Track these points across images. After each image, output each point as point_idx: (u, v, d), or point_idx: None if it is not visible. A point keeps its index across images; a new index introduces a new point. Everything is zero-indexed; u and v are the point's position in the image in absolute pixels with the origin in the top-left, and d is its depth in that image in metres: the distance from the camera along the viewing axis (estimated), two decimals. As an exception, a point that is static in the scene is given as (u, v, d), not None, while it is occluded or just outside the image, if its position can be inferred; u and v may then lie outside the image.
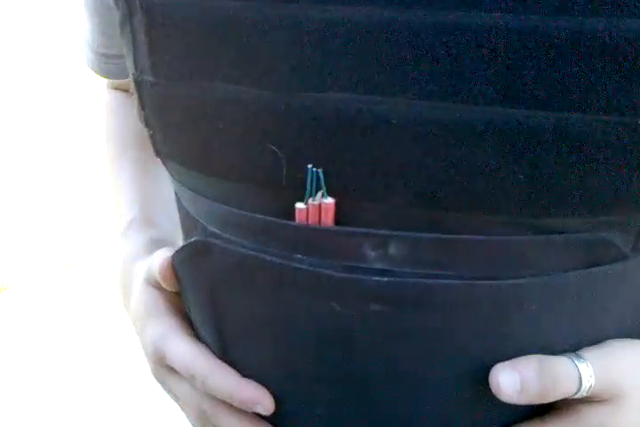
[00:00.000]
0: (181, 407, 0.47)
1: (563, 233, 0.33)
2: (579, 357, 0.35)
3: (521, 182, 0.31)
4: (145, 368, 0.48)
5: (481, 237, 0.33)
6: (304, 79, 0.32)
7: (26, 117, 4.37)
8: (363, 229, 0.34)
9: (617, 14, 0.27)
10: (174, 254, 0.41)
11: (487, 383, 0.34)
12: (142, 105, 0.40)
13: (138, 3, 0.36)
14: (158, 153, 0.41)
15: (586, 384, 0.34)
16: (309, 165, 0.33)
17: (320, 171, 0.33)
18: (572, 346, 0.36)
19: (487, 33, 0.29)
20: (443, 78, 0.30)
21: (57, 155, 3.95)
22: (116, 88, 0.64)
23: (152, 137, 0.40)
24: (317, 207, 0.34)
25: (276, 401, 0.39)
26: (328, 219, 0.35)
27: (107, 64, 0.57)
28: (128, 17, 0.37)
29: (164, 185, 0.51)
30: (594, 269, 0.34)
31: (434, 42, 0.30)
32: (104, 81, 0.63)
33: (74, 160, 3.79)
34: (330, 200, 0.34)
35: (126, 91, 0.63)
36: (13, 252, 3.09)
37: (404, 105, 0.31)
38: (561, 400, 0.36)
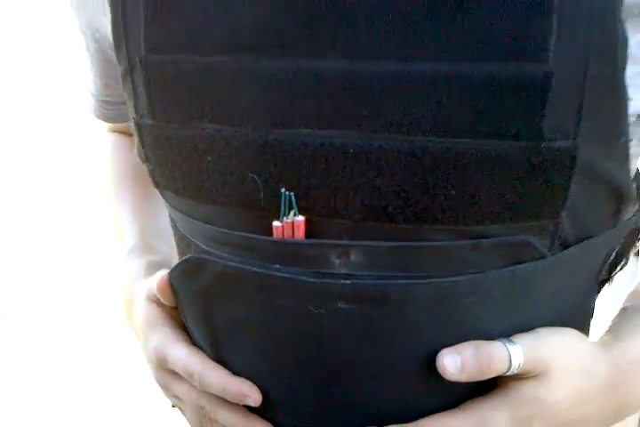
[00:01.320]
0: (181, 408, 0.53)
1: (490, 238, 0.40)
2: (510, 341, 0.42)
3: (453, 197, 0.39)
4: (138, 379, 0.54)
5: (426, 244, 0.41)
6: (277, 119, 0.40)
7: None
8: (329, 241, 0.42)
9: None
10: (171, 271, 0.49)
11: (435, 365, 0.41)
12: (142, 144, 0.47)
13: (137, 60, 0.44)
14: (157, 185, 0.49)
15: (515, 363, 0.41)
16: (282, 190, 0.41)
17: (292, 194, 0.41)
18: (506, 333, 0.43)
19: (419, 81, 0.37)
20: (386, 115, 0.38)
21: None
22: (115, 131, 0.72)
23: (151, 171, 0.48)
24: (291, 224, 0.42)
25: (263, 394, 0.46)
26: (300, 233, 0.42)
27: (107, 110, 0.64)
28: (129, 71, 0.45)
29: (161, 214, 0.58)
30: (517, 267, 0.41)
31: (376, 88, 0.38)
32: (104, 124, 0.71)
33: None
34: (300, 218, 0.42)
35: (123, 133, 0.70)
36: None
37: (358, 137, 0.39)
38: (500, 380, 0.42)
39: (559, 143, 0.37)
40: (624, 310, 0.51)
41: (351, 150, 0.39)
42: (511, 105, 0.37)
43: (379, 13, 0.37)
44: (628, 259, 0.51)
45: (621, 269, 0.51)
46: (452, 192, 0.39)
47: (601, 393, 0.45)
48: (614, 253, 0.50)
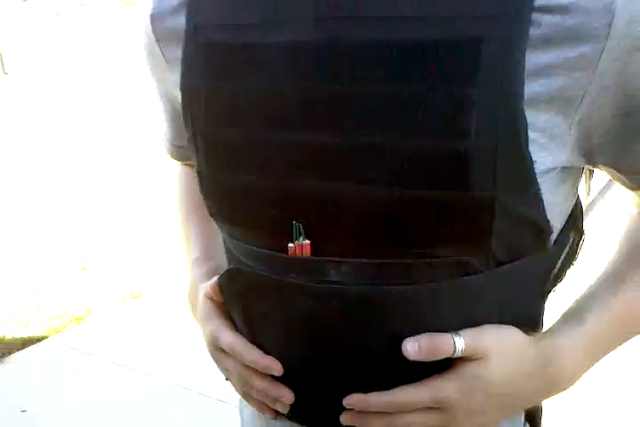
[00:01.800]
0: (229, 378, 0.72)
1: (440, 258, 0.57)
2: (456, 333, 0.59)
3: (413, 232, 0.56)
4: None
5: (396, 261, 0.58)
6: (290, 174, 0.59)
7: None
8: (326, 258, 0.60)
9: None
10: (219, 277, 0.67)
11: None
12: (201, 185, 0.67)
13: (199, 131, 0.63)
14: (211, 214, 0.68)
15: (459, 348, 0.58)
16: (294, 222, 0.59)
17: (300, 225, 0.59)
18: (457, 327, 0.60)
19: (378, 153, 0.54)
20: (364, 172, 0.56)
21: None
22: (186, 164, 0.92)
23: (207, 205, 0.67)
24: (300, 246, 0.60)
25: (284, 367, 0.64)
26: (307, 252, 0.60)
27: (178, 151, 0.84)
28: (193, 136, 0.65)
29: (217, 233, 0.77)
30: (459, 279, 0.58)
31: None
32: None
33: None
34: (307, 241, 0.60)
35: (192, 166, 0.91)
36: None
37: (349, 189, 0.57)
38: (453, 362, 0.59)
39: (481, 194, 0.54)
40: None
41: (343, 199, 0.58)
42: (443, 168, 0.53)
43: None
44: (577, 256, 0.67)
45: (561, 281, 0.67)
46: (413, 228, 0.56)
47: (531, 373, 0.61)
48: (556, 269, 0.66)
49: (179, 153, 0.85)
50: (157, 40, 0.68)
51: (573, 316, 0.65)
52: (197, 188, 0.69)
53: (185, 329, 3.27)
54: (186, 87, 0.64)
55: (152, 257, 4.08)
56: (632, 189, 0.66)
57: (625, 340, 0.67)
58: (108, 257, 4.05)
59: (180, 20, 0.63)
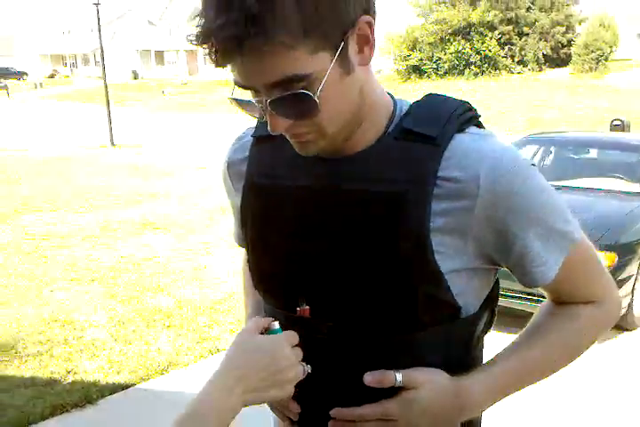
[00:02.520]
0: None
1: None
2: (397, 371, 0.89)
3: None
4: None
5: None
6: (297, 266, 0.94)
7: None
8: (318, 319, 0.91)
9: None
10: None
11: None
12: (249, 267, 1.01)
13: (247, 233, 0.98)
14: (255, 287, 1.02)
15: (398, 380, 0.88)
16: (299, 300, 0.91)
17: (303, 297, 0.91)
18: (404, 367, 0.89)
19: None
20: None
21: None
22: None
23: (253, 280, 1.02)
24: (303, 310, 0.91)
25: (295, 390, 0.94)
26: (307, 313, 0.92)
27: (242, 241, 1.14)
28: (244, 235, 1.00)
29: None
30: (399, 337, 0.90)
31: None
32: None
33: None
34: (307, 307, 0.92)
35: None
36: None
37: (334, 279, 0.93)
38: (400, 389, 0.88)
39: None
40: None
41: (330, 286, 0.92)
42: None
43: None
44: (492, 323, 1.00)
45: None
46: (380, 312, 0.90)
47: (447, 400, 0.90)
48: (477, 333, 0.97)
49: (240, 241, 1.16)
50: (230, 177, 1.07)
51: (490, 361, 0.96)
52: None
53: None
54: (241, 206, 1.02)
55: (230, 318, 4.40)
56: (525, 285, 0.95)
57: (527, 383, 0.97)
58: (191, 317, 4.41)
59: (243, 167, 1.02)
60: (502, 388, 0.94)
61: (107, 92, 18.91)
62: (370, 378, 0.89)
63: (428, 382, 0.89)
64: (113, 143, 17.93)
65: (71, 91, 48.64)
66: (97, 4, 17.63)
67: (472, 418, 0.97)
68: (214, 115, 30.74)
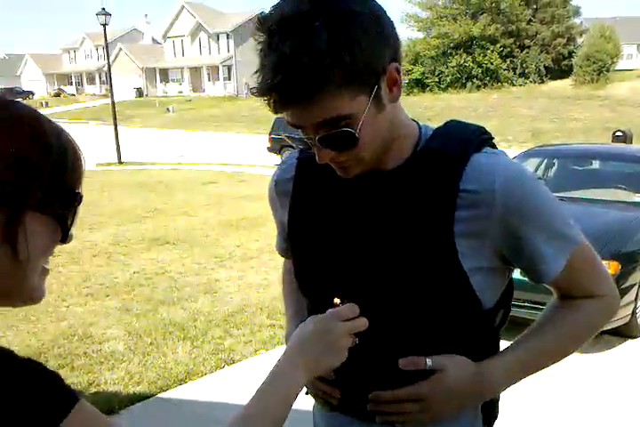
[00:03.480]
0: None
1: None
2: (428, 357, 1.03)
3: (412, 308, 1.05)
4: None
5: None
6: (339, 274, 1.12)
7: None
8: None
9: None
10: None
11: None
12: (293, 273, 1.15)
13: (296, 248, 1.15)
14: (299, 289, 1.16)
15: (429, 364, 1.02)
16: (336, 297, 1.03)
17: (339, 297, 1.03)
18: (430, 354, 1.03)
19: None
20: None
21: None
22: (288, 259, 1.38)
23: (297, 285, 1.16)
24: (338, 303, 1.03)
25: (336, 376, 1.08)
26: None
27: (284, 252, 1.31)
28: (290, 247, 1.17)
29: (303, 300, 1.23)
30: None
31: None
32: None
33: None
34: (338, 301, 1.03)
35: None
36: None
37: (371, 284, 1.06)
38: (429, 374, 1.02)
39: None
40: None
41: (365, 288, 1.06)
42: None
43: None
44: (507, 317, 1.15)
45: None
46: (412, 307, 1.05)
47: (470, 383, 1.05)
48: (496, 324, 1.14)
49: (284, 253, 1.35)
50: (277, 194, 1.23)
51: (507, 349, 1.11)
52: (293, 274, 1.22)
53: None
54: (289, 220, 1.19)
55: (243, 330, 4.51)
56: (534, 281, 1.13)
57: (540, 367, 1.12)
58: (205, 329, 4.51)
59: (290, 186, 1.19)
60: (518, 372, 1.09)
61: (114, 111, 19.16)
62: (404, 362, 1.03)
63: (454, 366, 1.04)
64: (120, 161, 18.14)
65: (77, 109, 49.12)
66: (104, 25, 17.93)
67: (492, 398, 1.13)
68: (219, 131, 31.06)
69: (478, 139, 1.05)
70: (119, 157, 18.18)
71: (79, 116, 43.54)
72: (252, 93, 0.93)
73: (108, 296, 5.37)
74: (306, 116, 0.93)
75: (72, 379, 3.67)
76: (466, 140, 1.04)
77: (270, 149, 18.07)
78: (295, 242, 1.19)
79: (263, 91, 0.90)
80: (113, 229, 8.29)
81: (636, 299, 4.35)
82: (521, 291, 4.78)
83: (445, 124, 1.11)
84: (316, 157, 0.99)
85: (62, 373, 3.75)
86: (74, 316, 4.85)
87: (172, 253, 6.89)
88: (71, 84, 65.30)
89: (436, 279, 1.02)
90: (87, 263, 6.54)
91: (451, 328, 1.06)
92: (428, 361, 1.03)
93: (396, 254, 1.03)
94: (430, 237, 1.02)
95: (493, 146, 1.09)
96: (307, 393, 1.19)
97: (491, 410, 1.15)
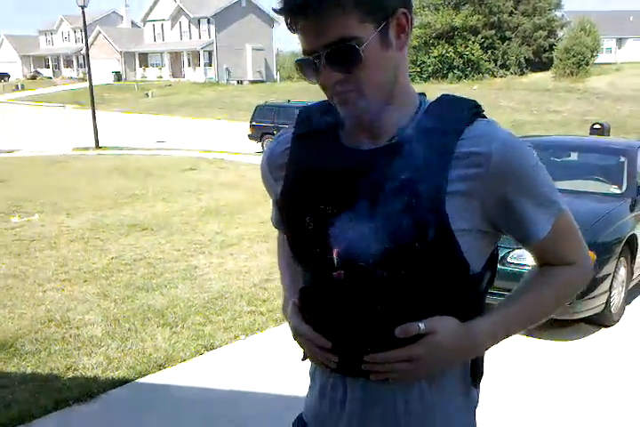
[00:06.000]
0: (303, 349, 1.22)
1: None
2: (420, 321, 1.07)
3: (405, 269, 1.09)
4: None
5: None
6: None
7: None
8: (352, 282, 1.12)
9: None
10: (298, 292, 1.18)
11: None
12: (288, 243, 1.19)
13: (284, 215, 1.19)
14: (293, 259, 1.19)
15: (422, 327, 1.06)
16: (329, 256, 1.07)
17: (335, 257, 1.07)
18: (423, 317, 1.08)
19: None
20: None
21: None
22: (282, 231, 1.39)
23: (292, 253, 1.20)
24: (339, 273, 1.09)
25: (332, 342, 1.15)
26: (342, 276, 1.10)
27: (278, 224, 1.34)
28: (282, 217, 1.23)
29: (298, 270, 1.25)
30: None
31: None
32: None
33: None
34: (342, 271, 1.09)
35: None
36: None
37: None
38: (421, 336, 1.07)
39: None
40: None
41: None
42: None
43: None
44: (493, 281, 1.22)
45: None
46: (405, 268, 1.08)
47: (459, 342, 1.10)
48: (483, 286, 1.20)
49: (278, 225, 1.38)
50: (269, 167, 1.27)
51: (491, 310, 1.16)
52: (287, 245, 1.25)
53: (262, 381, 3.63)
54: (281, 192, 1.22)
55: (223, 317, 4.51)
56: (521, 242, 1.18)
57: (522, 327, 1.19)
58: (185, 315, 4.51)
59: (283, 159, 1.23)
60: (501, 332, 1.16)
61: (92, 96, 18.90)
62: (399, 331, 1.08)
63: (444, 327, 1.09)
64: (98, 145, 17.92)
65: (53, 92, 48.35)
66: (83, 7, 17.63)
67: (477, 356, 1.20)
68: (199, 116, 30.84)
69: (472, 110, 1.12)
70: (97, 142, 17.96)
71: (55, 100, 42.89)
72: (275, 11, 1.06)
73: (85, 282, 5.32)
74: (316, 37, 1.03)
75: (49, 364, 3.65)
76: (461, 109, 1.12)
77: (251, 137, 18.05)
78: (288, 211, 1.21)
79: (283, 6, 1.03)
80: (90, 215, 8.20)
81: (610, 288, 4.43)
82: (506, 281, 4.85)
83: (440, 96, 1.17)
84: (322, 79, 1.07)
85: (39, 357, 3.73)
86: (51, 301, 4.81)
87: (151, 240, 6.85)
88: (48, 66, 64.23)
89: (425, 240, 1.05)
90: (64, 249, 6.47)
91: (440, 291, 1.11)
92: (421, 325, 1.07)
93: (388, 219, 1.05)
94: (421, 199, 1.05)
95: (484, 117, 1.15)
96: (303, 359, 1.26)
97: (477, 366, 1.21)
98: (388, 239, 1.05)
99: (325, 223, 1.10)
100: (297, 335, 1.21)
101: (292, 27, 1.05)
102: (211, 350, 3.96)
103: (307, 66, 1.08)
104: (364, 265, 1.06)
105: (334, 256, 1.08)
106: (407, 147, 1.08)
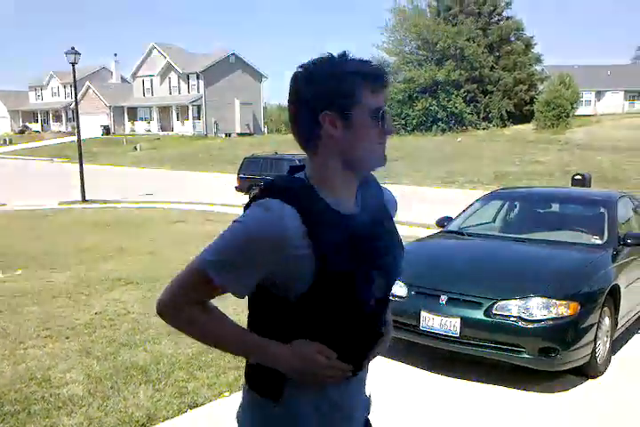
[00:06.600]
0: (311, 375, 1.46)
1: None
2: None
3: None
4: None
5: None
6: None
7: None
8: None
9: None
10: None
11: None
12: None
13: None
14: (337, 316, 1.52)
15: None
16: None
17: None
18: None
19: None
20: None
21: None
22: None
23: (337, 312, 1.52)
24: None
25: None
26: None
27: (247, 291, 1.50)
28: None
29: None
30: None
31: None
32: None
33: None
34: None
35: None
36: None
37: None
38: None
39: None
40: None
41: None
42: None
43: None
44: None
45: None
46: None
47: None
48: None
49: (246, 292, 1.49)
50: (290, 244, 1.39)
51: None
52: None
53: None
54: (329, 263, 1.43)
55: (207, 373, 4.44)
56: None
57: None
58: (168, 371, 4.43)
59: (301, 234, 1.38)
60: None
61: (80, 149, 19.06)
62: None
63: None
64: (85, 199, 17.95)
65: (42, 146, 48.67)
66: (73, 64, 18.00)
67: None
68: (186, 169, 31.05)
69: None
70: (83, 196, 17.99)
71: (44, 153, 43.13)
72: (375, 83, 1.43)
73: (68, 338, 5.24)
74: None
75: (29, 425, 3.55)
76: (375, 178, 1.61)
77: (238, 189, 18.17)
78: (333, 273, 1.39)
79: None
80: (75, 269, 8.14)
81: (595, 339, 4.42)
82: (490, 332, 4.85)
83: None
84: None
85: (18, 418, 3.64)
86: (32, 359, 4.71)
87: (136, 294, 6.78)
88: (37, 121, 64.84)
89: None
90: (47, 304, 6.39)
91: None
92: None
93: (399, 260, 1.55)
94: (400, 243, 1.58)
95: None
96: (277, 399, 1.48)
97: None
98: (395, 277, 1.57)
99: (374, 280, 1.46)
100: (303, 359, 1.41)
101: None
102: (194, 407, 3.88)
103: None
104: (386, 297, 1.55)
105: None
106: (371, 207, 1.50)
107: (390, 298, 1.61)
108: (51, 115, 63.68)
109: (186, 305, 1.42)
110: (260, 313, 1.48)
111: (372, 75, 1.39)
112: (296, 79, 1.40)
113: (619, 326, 4.97)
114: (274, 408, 1.46)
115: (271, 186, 1.42)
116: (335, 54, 1.40)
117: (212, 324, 1.44)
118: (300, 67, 1.40)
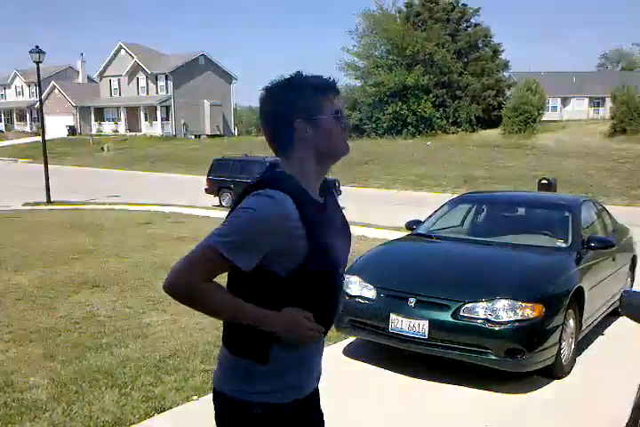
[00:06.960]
0: (297, 334, 1.77)
1: None
2: None
3: None
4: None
5: None
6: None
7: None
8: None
9: None
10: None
11: None
12: None
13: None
14: (323, 284, 1.89)
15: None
16: None
17: None
18: None
19: None
20: None
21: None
22: None
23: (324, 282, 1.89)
24: None
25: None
26: None
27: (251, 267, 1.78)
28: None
29: None
30: None
31: None
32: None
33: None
34: None
35: None
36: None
37: None
38: None
39: None
40: None
41: None
42: None
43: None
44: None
45: None
46: None
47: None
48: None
49: (250, 267, 1.75)
50: (291, 225, 1.71)
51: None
52: None
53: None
54: (317, 244, 1.75)
55: (175, 376, 4.39)
56: None
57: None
58: (135, 375, 4.37)
59: (297, 222, 1.69)
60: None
61: (44, 149, 18.72)
62: None
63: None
64: (50, 200, 17.63)
65: (6, 146, 47.68)
66: (38, 63, 17.69)
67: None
68: (155, 170, 30.76)
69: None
70: (48, 197, 17.67)
71: (7, 154, 42.26)
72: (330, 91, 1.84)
73: (31, 342, 5.13)
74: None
75: (-11, 431, 3.47)
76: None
77: (208, 191, 18.05)
78: (319, 246, 1.72)
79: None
80: (39, 272, 7.98)
81: (560, 340, 4.50)
82: (454, 334, 4.91)
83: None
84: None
85: (-21, 424, 3.55)
86: (-6, 363, 4.61)
87: (102, 297, 6.68)
88: (1, 120, 63.50)
89: None
90: (10, 307, 6.25)
91: None
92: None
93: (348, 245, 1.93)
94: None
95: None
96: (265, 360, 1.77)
97: None
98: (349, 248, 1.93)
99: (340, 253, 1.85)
100: (301, 322, 1.71)
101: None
102: (161, 411, 3.83)
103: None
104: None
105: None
106: (329, 197, 1.87)
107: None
108: (14, 114, 62.36)
109: (200, 282, 1.68)
110: (248, 287, 1.74)
111: (329, 87, 1.79)
112: (266, 98, 1.78)
113: (583, 327, 5.06)
114: (260, 367, 1.75)
115: (267, 179, 1.75)
116: (292, 75, 1.79)
117: (219, 296, 1.72)
118: (265, 89, 1.79)
